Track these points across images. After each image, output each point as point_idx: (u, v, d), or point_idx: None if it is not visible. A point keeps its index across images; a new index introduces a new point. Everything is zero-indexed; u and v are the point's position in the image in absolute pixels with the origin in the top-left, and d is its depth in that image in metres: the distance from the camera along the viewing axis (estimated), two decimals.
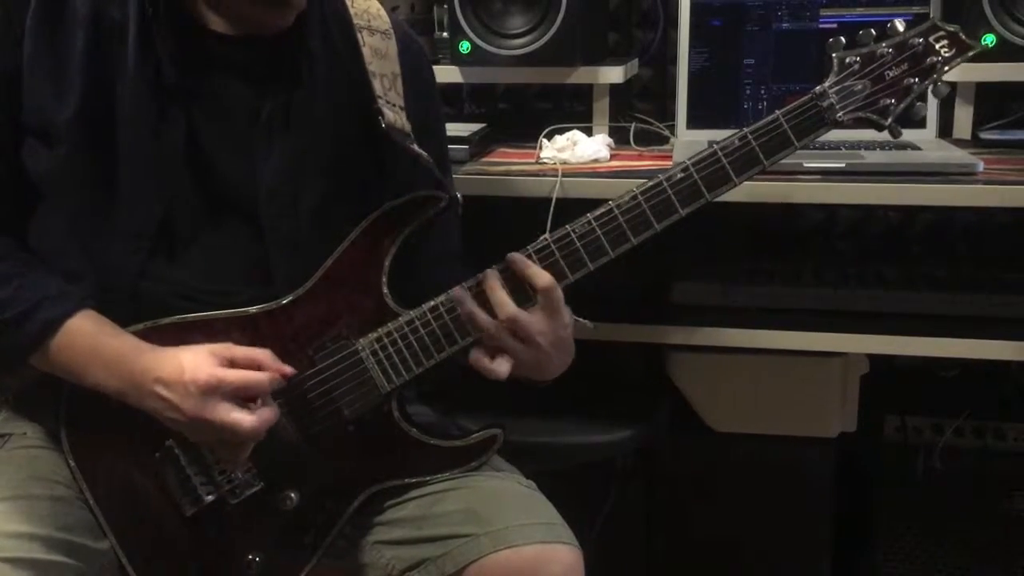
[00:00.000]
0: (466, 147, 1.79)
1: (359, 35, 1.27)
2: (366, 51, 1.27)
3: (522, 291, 1.20)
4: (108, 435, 1.20)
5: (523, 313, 1.18)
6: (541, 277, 1.18)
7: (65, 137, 1.16)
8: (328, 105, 1.26)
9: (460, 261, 1.39)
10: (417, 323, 1.22)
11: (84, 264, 1.19)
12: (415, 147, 1.26)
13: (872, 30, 1.23)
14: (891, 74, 1.21)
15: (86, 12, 1.17)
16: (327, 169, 1.26)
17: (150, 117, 1.18)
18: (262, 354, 1.17)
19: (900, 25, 1.22)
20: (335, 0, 1.29)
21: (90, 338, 1.16)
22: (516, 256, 1.20)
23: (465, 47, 1.89)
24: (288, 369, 1.19)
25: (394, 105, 1.27)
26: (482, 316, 1.19)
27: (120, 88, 1.17)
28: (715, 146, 1.21)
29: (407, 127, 1.27)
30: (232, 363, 1.15)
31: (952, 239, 1.97)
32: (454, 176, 1.53)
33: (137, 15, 1.17)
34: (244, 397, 1.14)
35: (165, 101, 1.18)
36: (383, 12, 1.34)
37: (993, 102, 1.93)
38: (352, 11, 1.29)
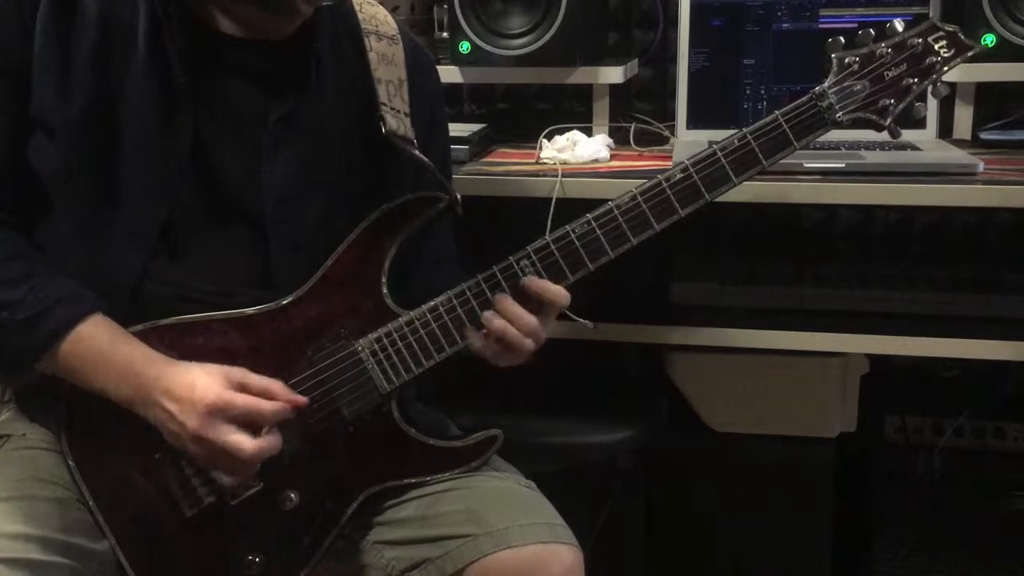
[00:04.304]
0: (466, 147, 1.78)
1: (366, 40, 1.27)
2: (372, 57, 1.27)
3: (520, 293, 1.20)
4: (108, 436, 1.20)
5: (538, 324, 1.20)
6: (558, 294, 1.20)
7: (68, 135, 1.16)
8: (335, 111, 1.26)
9: (457, 262, 1.39)
10: (417, 324, 1.22)
11: (87, 263, 1.19)
12: (417, 153, 1.26)
13: (871, 30, 1.23)
14: (890, 74, 1.22)
15: (96, 11, 1.16)
16: (333, 175, 1.26)
17: (157, 118, 1.18)
18: (275, 385, 1.17)
19: (899, 25, 1.22)
20: (344, 6, 1.29)
21: (101, 344, 1.15)
22: (530, 280, 1.21)
23: (465, 47, 1.89)
24: (301, 399, 1.18)
25: (398, 111, 1.27)
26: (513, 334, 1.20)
27: (128, 88, 1.17)
28: (714, 146, 1.21)
29: (410, 133, 1.28)
30: (244, 389, 1.14)
31: (952, 239, 1.97)
32: (455, 176, 1.53)
33: (147, 15, 1.17)
34: (248, 424, 1.14)
35: (173, 102, 1.18)
36: (390, 17, 1.34)
37: (993, 102, 1.93)
38: (360, 16, 1.29)
